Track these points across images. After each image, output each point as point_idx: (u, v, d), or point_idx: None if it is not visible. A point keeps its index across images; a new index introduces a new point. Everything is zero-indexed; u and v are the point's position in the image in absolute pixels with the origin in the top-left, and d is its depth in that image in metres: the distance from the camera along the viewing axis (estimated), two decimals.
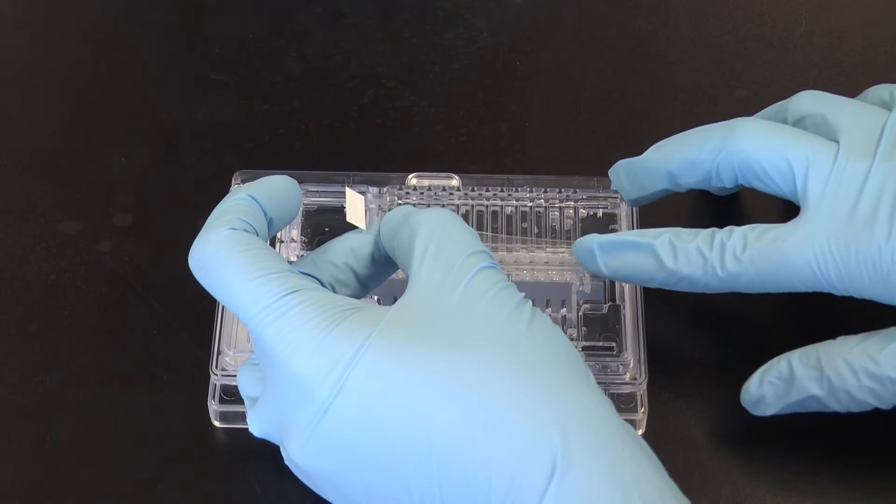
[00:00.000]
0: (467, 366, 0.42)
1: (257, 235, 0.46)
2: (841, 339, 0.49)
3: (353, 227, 0.51)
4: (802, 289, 0.49)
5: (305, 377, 0.42)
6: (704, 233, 0.50)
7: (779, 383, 0.49)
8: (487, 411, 0.41)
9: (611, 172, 0.55)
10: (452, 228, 0.45)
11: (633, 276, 0.51)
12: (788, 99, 0.52)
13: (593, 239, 0.51)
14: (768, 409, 0.50)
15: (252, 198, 0.47)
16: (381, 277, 0.50)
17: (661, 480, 0.41)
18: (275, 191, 0.48)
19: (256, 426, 0.46)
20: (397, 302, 0.44)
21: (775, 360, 0.50)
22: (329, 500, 0.45)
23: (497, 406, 0.41)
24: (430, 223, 0.46)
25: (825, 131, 0.50)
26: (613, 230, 0.56)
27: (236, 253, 0.44)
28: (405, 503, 0.42)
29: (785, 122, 0.52)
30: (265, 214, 0.47)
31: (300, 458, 0.43)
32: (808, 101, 0.51)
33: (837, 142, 0.49)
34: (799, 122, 0.51)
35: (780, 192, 0.50)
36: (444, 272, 0.44)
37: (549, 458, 0.40)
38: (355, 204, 0.51)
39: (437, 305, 0.43)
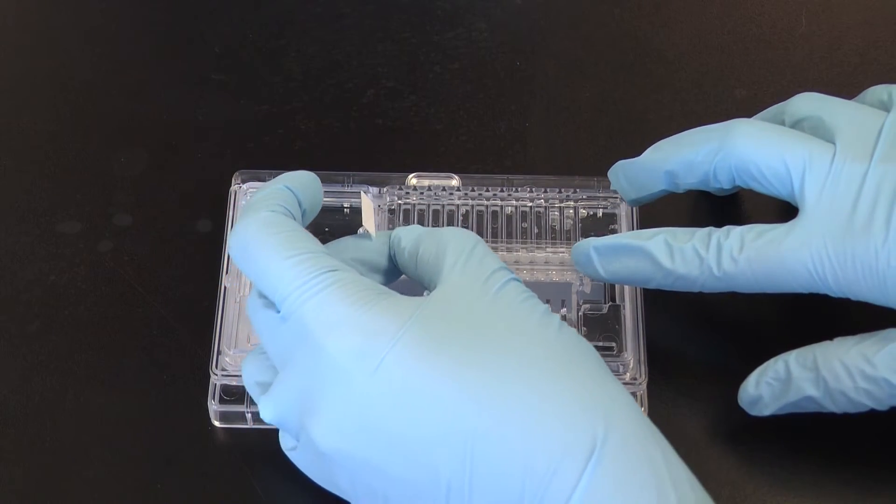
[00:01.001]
0: (507, 355, 0.42)
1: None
2: (837, 341, 0.49)
3: (351, 230, 0.51)
4: (799, 290, 0.49)
5: (341, 354, 0.42)
6: (701, 232, 0.50)
7: (775, 384, 0.50)
8: (529, 397, 0.41)
9: (610, 173, 0.55)
10: (482, 246, 0.47)
11: (631, 277, 0.51)
12: (786, 101, 0.53)
13: (589, 243, 0.52)
14: (765, 409, 0.50)
15: (289, 189, 0.48)
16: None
17: (687, 471, 0.42)
18: (306, 183, 0.49)
19: (271, 410, 0.45)
20: (431, 294, 0.45)
21: (772, 360, 0.50)
22: (339, 491, 0.45)
23: (538, 393, 0.42)
24: (461, 239, 0.47)
25: (822, 133, 0.50)
26: (613, 230, 0.56)
27: (275, 233, 0.45)
28: (428, 491, 0.42)
29: (783, 124, 0.52)
30: (300, 205, 0.48)
31: (325, 439, 0.43)
32: (806, 103, 0.51)
33: (834, 144, 0.49)
34: (797, 125, 0.51)
35: (777, 193, 0.50)
36: (475, 278, 0.45)
37: (588, 442, 0.41)
38: (367, 209, 0.52)
39: (471, 303, 0.44)
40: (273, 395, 0.45)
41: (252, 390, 0.47)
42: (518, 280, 0.46)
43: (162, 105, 0.62)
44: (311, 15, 0.65)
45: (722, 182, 0.51)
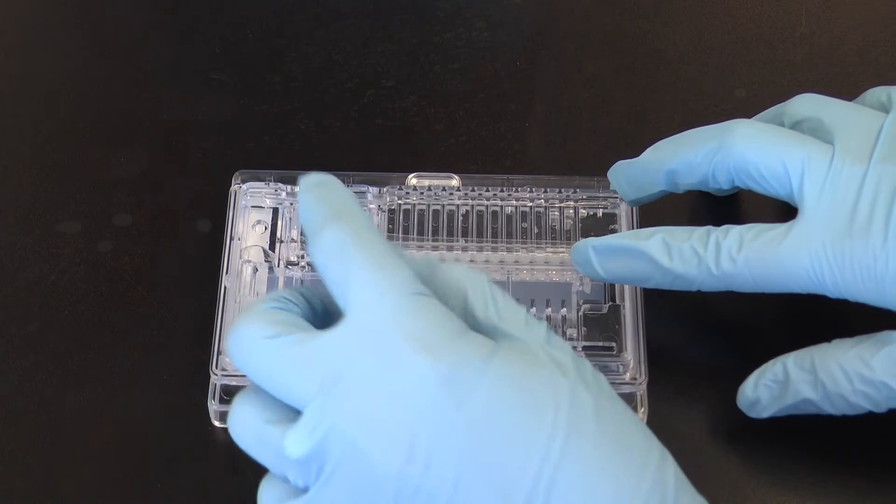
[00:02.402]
0: (579, 400, 0.41)
1: None
2: (835, 343, 0.49)
3: None
4: (797, 290, 0.49)
5: (431, 378, 0.40)
6: (699, 231, 0.50)
7: (774, 386, 0.50)
8: (605, 438, 0.41)
9: (609, 174, 0.55)
10: (498, 289, 0.44)
11: (630, 277, 0.51)
12: (786, 102, 0.52)
13: (588, 243, 0.51)
14: (764, 411, 0.50)
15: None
16: None
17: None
18: None
19: (309, 437, 0.41)
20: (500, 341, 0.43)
21: (770, 362, 0.50)
22: None
23: (612, 435, 0.41)
24: (479, 281, 0.44)
25: (821, 134, 0.50)
26: (613, 230, 0.56)
27: (377, 242, 0.42)
28: None
29: (782, 125, 0.52)
30: None
31: (392, 463, 0.40)
32: (805, 105, 0.51)
33: (833, 145, 0.49)
34: (796, 126, 0.51)
35: (776, 194, 0.50)
36: (521, 324, 0.43)
37: (659, 491, 0.40)
38: None
39: (532, 348, 0.42)
40: (311, 421, 0.41)
41: (260, 433, 0.42)
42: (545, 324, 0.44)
43: (162, 105, 0.62)
44: (311, 15, 0.65)
45: (721, 183, 0.51)
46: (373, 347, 0.41)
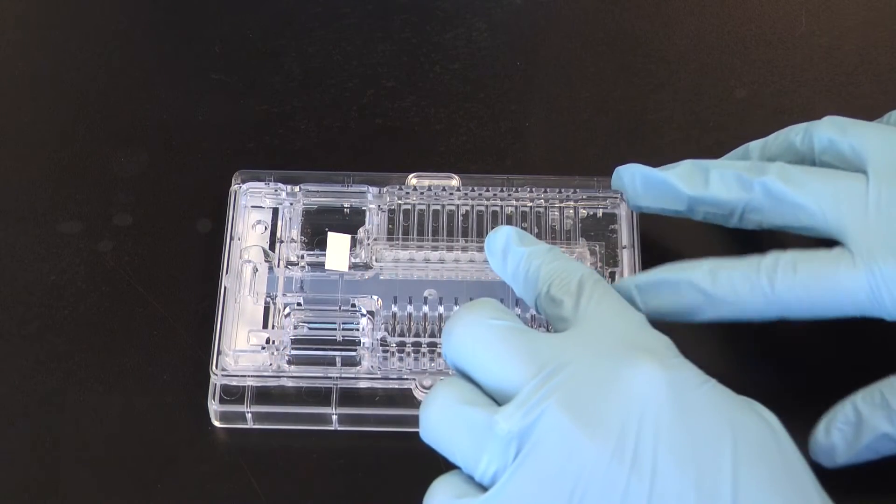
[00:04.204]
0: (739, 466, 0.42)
1: None
2: None
3: (351, 229, 0.51)
4: (853, 314, 0.48)
5: (663, 377, 0.42)
6: (749, 259, 0.48)
7: (847, 428, 0.48)
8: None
9: (622, 172, 0.54)
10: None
11: (677, 312, 0.49)
12: (810, 123, 0.52)
13: (630, 282, 0.50)
14: (839, 457, 0.49)
15: None
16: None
17: None
18: None
19: (520, 417, 0.41)
20: None
21: (839, 405, 0.49)
22: None
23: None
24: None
25: (851, 161, 0.49)
26: (613, 230, 0.56)
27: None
28: None
29: (806, 151, 0.51)
30: None
31: (599, 452, 0.41)
32: (829, 129, 0.51)
33: (866, 172, 0.48)
34: (822, 153, 0.51)
35: (815, 234, 0.49)
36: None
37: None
38: (337, 247, 0.52)
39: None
40: (527, 401, 0.42)
41: (462, 413, 0.43)
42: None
43: (162, 105, 0.62)
44: (311, 15, 0.65)
45: (746, 224, 0.51)
46: (599, 348, 0.43)
